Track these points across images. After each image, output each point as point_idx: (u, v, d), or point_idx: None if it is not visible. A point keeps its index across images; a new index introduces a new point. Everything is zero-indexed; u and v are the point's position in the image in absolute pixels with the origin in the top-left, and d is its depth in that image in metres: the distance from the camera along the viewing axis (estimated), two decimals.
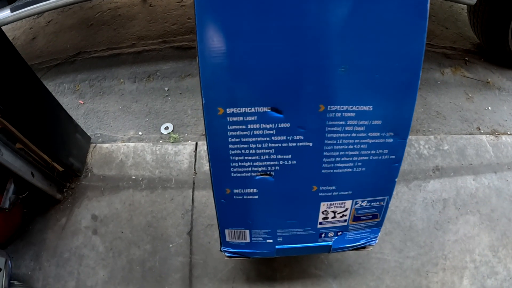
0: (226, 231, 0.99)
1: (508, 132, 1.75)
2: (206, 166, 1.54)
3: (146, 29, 2.23)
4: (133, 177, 1.54)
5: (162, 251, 1.37)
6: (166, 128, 1.74)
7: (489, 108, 1.84)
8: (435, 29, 2.19)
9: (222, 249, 1.04)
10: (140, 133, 1.75)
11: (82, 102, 1.92)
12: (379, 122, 0.83)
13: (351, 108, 0.80)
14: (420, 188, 1.50)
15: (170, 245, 1.38)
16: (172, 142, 1.66)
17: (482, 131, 1.74)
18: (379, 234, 1.08)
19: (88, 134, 1.68)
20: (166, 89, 1.92)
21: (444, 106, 1.82)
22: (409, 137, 1.62)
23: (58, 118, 1.45)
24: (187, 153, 1.60)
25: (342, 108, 0.80)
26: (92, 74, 2.04)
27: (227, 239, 1.01)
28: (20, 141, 1.27)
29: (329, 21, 0.71)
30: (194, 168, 1.56)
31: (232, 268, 1.32)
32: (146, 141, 1.70)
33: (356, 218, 1.01)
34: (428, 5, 0.71)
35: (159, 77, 1.96)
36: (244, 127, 0.79)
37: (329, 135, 0.83)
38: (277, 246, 1.02)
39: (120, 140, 1.72)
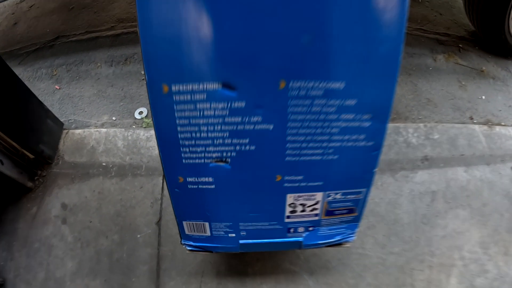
0: (184, 223, 0.90)
1: (502, 123, 1.65)
2: None
3: (126, 12, 2.17)
4: (104, 164, 1.48)
5: (130, 241, 1.31)
6: (140, 113, 1.69)
7: (483, 97, 1.74)
8: (429, 15, 2.09)
9: (182, 242, 0.96)
10: (114, 118, 1.69)
11: (58, 87, 1.85)
12: (353, 102, 0.70)
13: (318, 84, 0.68)
14: (407, 179, 1.41)
15: (138, 236, 1.32)
16: (145, 127, 1.60)
17: (475, 121, 1.65)
18: (359, 228, 0.98)
19: (62, 120, 1.62)
20: (142, 72, 1.84)
21: (435, 94, 1.73)
22: (397, 124, 1.54)
23: (28, 104, 1.40)
24: None
25: (307, 84, 0.68)
26: (70, 58, 1.98)
27: (186, 232, 0.93)
28: None
29: None
30: None
31: (201, 261, 1.25)
32: (119, 127, 1.64)
33: (329, 213, 0.90)
34: None
35: (136, 61, 1.90)
36: (192, 106, 0.69)
37: (292, 117, 0.71)
38: (240, 241, 0.93)
39: (94, 126, 1.66)
